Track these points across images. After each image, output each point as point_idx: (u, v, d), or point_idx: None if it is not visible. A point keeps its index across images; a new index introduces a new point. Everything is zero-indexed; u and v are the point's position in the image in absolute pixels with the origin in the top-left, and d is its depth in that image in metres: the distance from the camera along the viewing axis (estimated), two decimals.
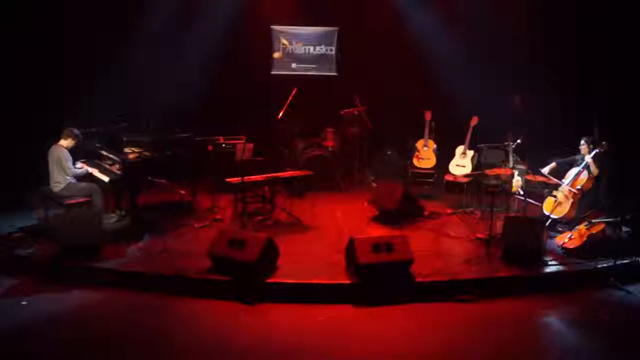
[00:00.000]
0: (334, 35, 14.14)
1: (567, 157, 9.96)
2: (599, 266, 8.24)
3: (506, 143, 10.53)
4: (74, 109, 10.48)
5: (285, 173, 10.59)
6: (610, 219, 8.84)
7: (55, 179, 9.09)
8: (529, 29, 12.03)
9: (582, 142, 9.73)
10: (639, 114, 10.60)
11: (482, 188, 10.85)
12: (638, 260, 8.37)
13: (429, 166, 12.03)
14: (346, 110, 12.82)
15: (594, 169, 9.48)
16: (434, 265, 8.11)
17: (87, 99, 11.00)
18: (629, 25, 10.83)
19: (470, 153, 11.61)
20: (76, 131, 9.31)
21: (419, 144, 12.12)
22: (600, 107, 10.88)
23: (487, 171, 10.31)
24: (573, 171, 9.63)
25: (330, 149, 12.60)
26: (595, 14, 11.25)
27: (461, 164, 11.61)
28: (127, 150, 9.99)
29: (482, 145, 11.44)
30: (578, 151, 9.82)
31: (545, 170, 9.83)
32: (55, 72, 11.41)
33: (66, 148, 9.20)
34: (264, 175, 9.98)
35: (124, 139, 10.14)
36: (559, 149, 10.36)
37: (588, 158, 9.52)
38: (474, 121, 11.51)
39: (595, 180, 9.55)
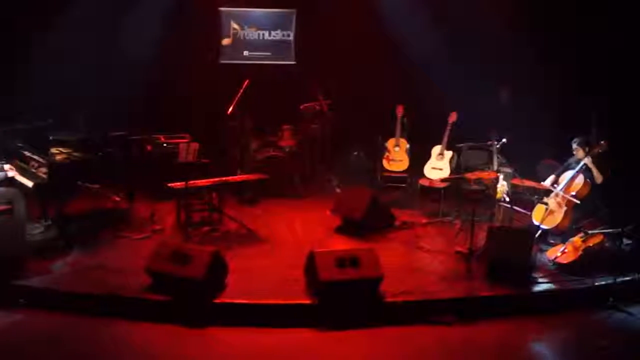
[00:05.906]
0: (291, 18, 14.15)
1: (563, 164, 9.89)
2: (597, 284, 8.28)
3: (490, 143, 10.58)
4: None
5: (236, 177, 10.61)
6: (610, 230, 8.91)
7: None
8: (517, 21, 12.17)
9: (574, 144, 9.62)
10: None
11: (462, 194, 10.93)
12: None
13: (401, 169, 11.99)
14: (306, 104, 12.84)
15: (597, 175, 9.36)
16: (407, 283, 8.12)
17: None
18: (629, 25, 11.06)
19: (449, 154, 11.56)
20: None
21: (390, 143, 12.06)
22: (599, 107, 11.00)
23: (468, 175, 10.28)
24: (567, 175, 9.56)
25: (287, 149, 12.53)
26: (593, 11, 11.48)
27: (438, 167, 11.57)
28: (53, 150, 9.86)
29: (462, 145, 11.49)
30: (572, 154, 9.78)
31: (547, 183, 9.74)
32: None
33: None
34: (211, 180, 9.94)
35: (50, 138, 10.03)
36: (553, 151, 10.46)
37: (588, 161, 9.37)
38: (453, 117, 11.45)
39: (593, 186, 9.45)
